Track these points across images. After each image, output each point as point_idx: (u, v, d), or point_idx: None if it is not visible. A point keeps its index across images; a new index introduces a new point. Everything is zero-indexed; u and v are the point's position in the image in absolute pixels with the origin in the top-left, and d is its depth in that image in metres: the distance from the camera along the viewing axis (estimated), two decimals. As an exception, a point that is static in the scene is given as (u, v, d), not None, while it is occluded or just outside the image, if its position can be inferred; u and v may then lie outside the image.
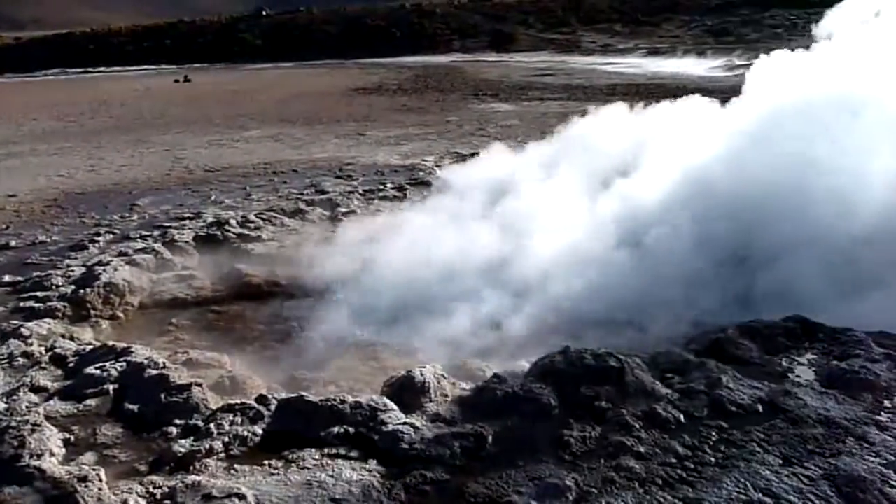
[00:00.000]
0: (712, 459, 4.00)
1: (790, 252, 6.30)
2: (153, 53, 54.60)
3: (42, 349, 5.99)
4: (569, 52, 42.87)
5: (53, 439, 4.43)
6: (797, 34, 38.31)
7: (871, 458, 3.93)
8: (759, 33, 41.56)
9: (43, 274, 7.82)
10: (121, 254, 8.34)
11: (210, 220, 9.74)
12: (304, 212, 9.96)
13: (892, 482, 3.72)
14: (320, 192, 11.14)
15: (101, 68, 51.91)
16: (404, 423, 4.41)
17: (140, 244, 8.77)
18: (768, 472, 3.86)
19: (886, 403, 4.46)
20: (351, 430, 4.41)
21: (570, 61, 37.17)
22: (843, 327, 5.44)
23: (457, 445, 4.21)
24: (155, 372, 5.25)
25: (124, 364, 5.46)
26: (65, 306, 6.94)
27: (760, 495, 3.68)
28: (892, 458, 3.94)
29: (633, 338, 5.78)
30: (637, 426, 4.34)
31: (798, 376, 4.87)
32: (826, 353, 5.15)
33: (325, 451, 4.26)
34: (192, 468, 4.14)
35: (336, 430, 4.41)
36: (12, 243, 9.28)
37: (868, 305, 5.66)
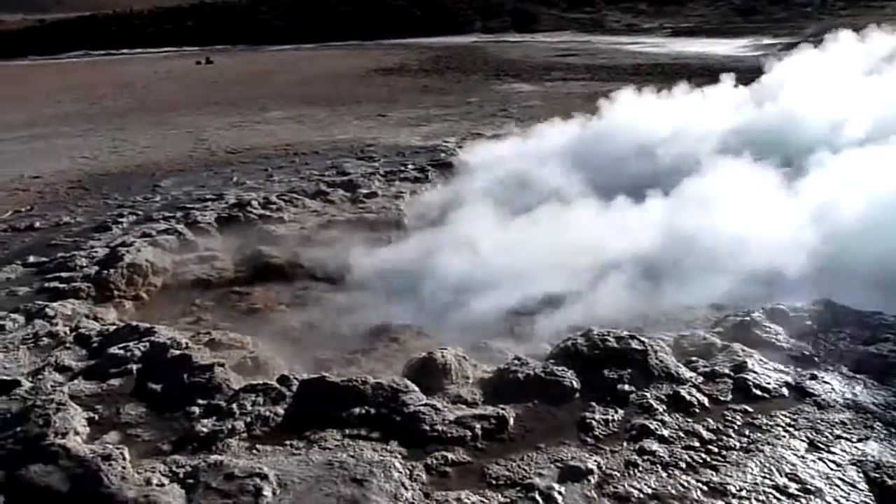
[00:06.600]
0: (737, 444, 3.95)
1: None
2: (175, 35, 54.64)
3: (67, 329, 6.05)
4: (592, 32, 42.34)
5: (78, 418, 4.47)
6: (826, 12, 37.58)
7: (901, 444, 3.87)
8: (789, 11, 40.76)
9: (67, 255, 7.89)
10: (144, 235, 8.40)
11: (232, 201, 9.77)
12: (326, 193, 9.96)
13: (922, 468, 3.65)
14: (341, 173, 11.12)
15: (124, 50, 52.12)
16: (425, 405, 4.40)
17: (163, 225, 8.82)
18: (794, 457, 3.80)
19: (916, 388, 4.37)
20: (372, 410, 4.41)
21: (594, 41, 36.68)
22: (872, 311, 5.34)
23: (478, 427, 4.19)
24: (178, 352, 5.28)
25: (147, 344, 5.49)
26: (89, 287, 7.00)
27: (786, 480, 3.63)
28: (923, 444, 3.87)
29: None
30: (660, 409, 4.30)
31: (825, 360, 4.80)
32: (854, 337, 5.06)
33: (347, 431, 4.25)
34: (214, 448, 4.17)
35: (357, 410, 4.41)
36: (37, 224, 9.37)
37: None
